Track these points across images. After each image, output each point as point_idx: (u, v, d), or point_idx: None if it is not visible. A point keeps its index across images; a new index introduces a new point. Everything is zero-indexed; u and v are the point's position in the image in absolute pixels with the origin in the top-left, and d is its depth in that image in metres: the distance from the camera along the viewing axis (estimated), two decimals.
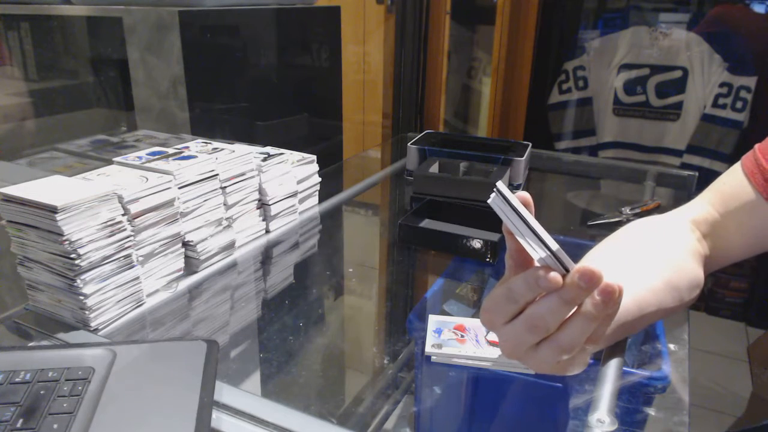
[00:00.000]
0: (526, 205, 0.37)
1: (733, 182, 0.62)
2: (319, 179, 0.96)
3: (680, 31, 1.85)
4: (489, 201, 0.38)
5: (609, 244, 0.58)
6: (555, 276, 0.37)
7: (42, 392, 0.46)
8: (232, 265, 0.78)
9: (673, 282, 0.52)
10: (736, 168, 0.62)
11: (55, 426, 0.43)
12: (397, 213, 1.07)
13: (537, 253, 0.37)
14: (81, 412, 0.44)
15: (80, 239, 0.57)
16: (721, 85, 1.81)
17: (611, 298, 0.37)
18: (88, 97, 1.25)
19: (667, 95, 1.91)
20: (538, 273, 0.37)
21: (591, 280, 0.36)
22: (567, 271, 0.37)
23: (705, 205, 0.63)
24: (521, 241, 0.37)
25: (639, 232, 0.59)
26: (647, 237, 0.58)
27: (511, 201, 0.37)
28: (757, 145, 0.61)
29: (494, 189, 0.38)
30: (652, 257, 0.54)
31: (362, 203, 1.11)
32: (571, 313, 0.39)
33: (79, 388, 0.47)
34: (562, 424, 0.55)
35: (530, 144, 1.15)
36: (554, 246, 0.36)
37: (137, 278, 0.65)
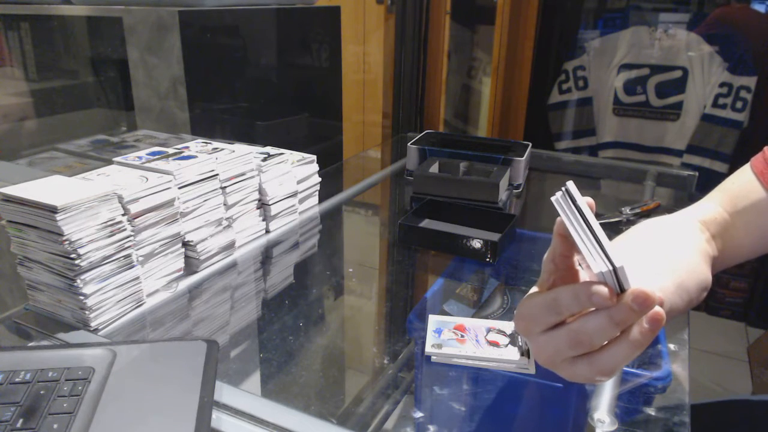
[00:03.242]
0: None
1: (742, 182, 0.62)
2: (319, 179, 0.96)
3: (680, 31, 1.85)
4: (553, 199, 0.36)
5: (618, 245, 0.58)
6: (608, 296, 0.35)
7: (42, 392, 0.46)
8: (232, 265, 0.78)
9: (683, 284, 0.52)
10: (746, 168, 0.62)
11: (55, 426, 0.43)
12: (397, 213, 1.07)
13: (598, 266, 0.35)
14: (81, 412, 0.44)
15: (80, 239, 0.57)
16: (721, 85, 1.81)
17: (659, 324, 0.35)
18: (88, 97, 1.25)
19: (667, 95, 1.91)
20: (594, 289, 0.35)
21: (644, 304, 0.34)
22: (622, 290, 0.35)
23: (714, 205, 0.63)
24: (582, 248, 0.35)
25: (648, 233, 0.59)
26: (657, 238, 0.58)
27: (581, 206, 0.35)
28: (766, 147, 0.61)
29: (562, 188, 0.35)
30: (663, 259, 0.54)
31: (362, 203, 1.11)
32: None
33: (79, 388, 0.47)
34: (562, 424, 0.55)
35: (530, 144, 1.15)
36: (618, 263, 0.34)
37: (137, 278, 0.65)
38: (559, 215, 0.37)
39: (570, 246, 0.39)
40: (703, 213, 0.62)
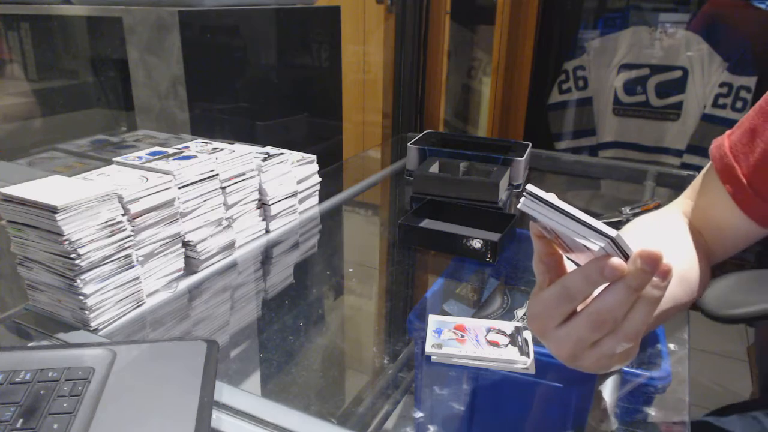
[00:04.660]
0: None
1: (704, 171, 0.61)
2: (319, 179, 0.96)
3: (680, 31, 1.85)
4: (520, 206, 0.36)
5: None
6: (620, 263, 0.35)
7: (42, 392, 0.46)
8: (232, 265, 0.78)
9: (685, 277, 0.52)
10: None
11: (55, 426, 0.43)
12: (397, 213, 1.07)
13: (597, 243, 0.35)
14: (81, 412, 0.44)
15: (80, 239, 0.57)
16: (721, 85, 1.81)
17: (668, 276, 0.36)
18: (88, 97, 1.25)
19: (667, 95, 1.91)
20: (601, 263, 0.35)
21: (655, 262, 0.35)
22: (626, 256, 0.35)
23: (686, 200, 0.63)
24: (573, 236, 0.35)
25: (644, 229, 0.59)
26: (653, 234, 0.58)
27: (551, 200, 0.35)
28: (728, 131, 0.60)
29: (524, 194, 0.36)
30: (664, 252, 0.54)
31: (362, 203, 1.11)
32: None
33: (79, 388, 0.47)
34: (562, 424, 0.55)
35: (530, 144, 1.15)
36: (612, 232, 0.34)
37: (137, 278, 0.65)
38: (533, 219, 0.37)
39: (550, 244, 0.39)
40: (682, 208, 0.62)
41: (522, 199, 0.36)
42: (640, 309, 0.37)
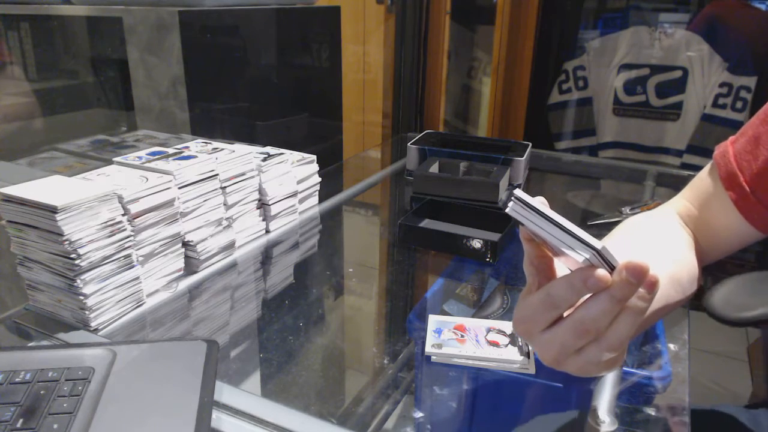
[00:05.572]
0: None
1: (704, 174, 0.61)
2: (319, 179, 0.96)
3: (680, 31, 1.85)
4: (507, 210, 0.36)
5: (609, 242, 0.58)
6: (604, 275, 0.35)
7: (42, 392, 0.46)
8: (232, 265, 0.78)
9: (676, 276, 0.52)
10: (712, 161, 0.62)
11: (55, 426, 0.43)
12: (397, 213, 1.07)
13: (581, 254, 0.35)
14: (81, 412, 0.44)
15: (80, 239, 0.57)
16: (721, 85, 1.81)
17: (655, 288, 0.36)
18: (88, 97, 1.25)
19: (667, 95, 1.91)
20: (586, 274, 0.35)
21: (640, 274, 0.35)
22: (612, 267, 0.35)
23: (684, 200, 0.63)
24: (559, 244, 0.35)
25: (636, 229, 0.59)
26: (645, 233, 0.58)
27: (538, 207, 0.35)
28: (731, 137, 0.60)
29: (511, 198, 0.35)
30: (654, 252, 0.54)
31: (362, 203, 1.11)
32: None
33: (79, 388, 0.47)
34: (562, 424, 0.55)
35: (530, 144, 1.15)
36: (598, 244, 0.34)
37: (137, 278, 0.65)
38: (520, 224, 0.37)
39: (540, 247, 0.40)
40: (678, 208, 0.62)
41: (510, 204, 0.36)
42: (624, 319, 0.37)
